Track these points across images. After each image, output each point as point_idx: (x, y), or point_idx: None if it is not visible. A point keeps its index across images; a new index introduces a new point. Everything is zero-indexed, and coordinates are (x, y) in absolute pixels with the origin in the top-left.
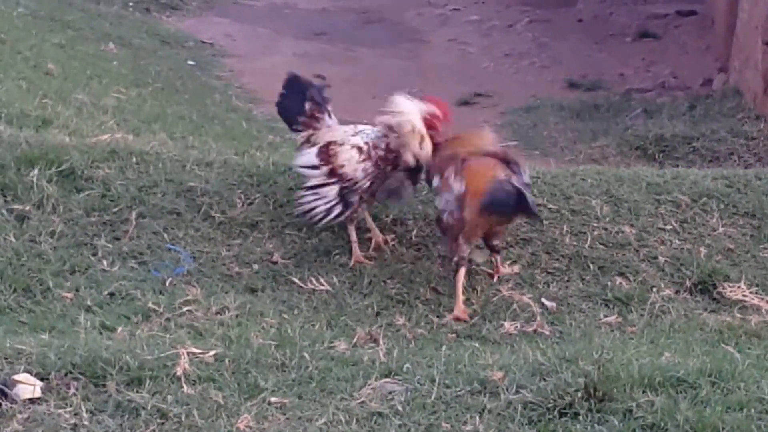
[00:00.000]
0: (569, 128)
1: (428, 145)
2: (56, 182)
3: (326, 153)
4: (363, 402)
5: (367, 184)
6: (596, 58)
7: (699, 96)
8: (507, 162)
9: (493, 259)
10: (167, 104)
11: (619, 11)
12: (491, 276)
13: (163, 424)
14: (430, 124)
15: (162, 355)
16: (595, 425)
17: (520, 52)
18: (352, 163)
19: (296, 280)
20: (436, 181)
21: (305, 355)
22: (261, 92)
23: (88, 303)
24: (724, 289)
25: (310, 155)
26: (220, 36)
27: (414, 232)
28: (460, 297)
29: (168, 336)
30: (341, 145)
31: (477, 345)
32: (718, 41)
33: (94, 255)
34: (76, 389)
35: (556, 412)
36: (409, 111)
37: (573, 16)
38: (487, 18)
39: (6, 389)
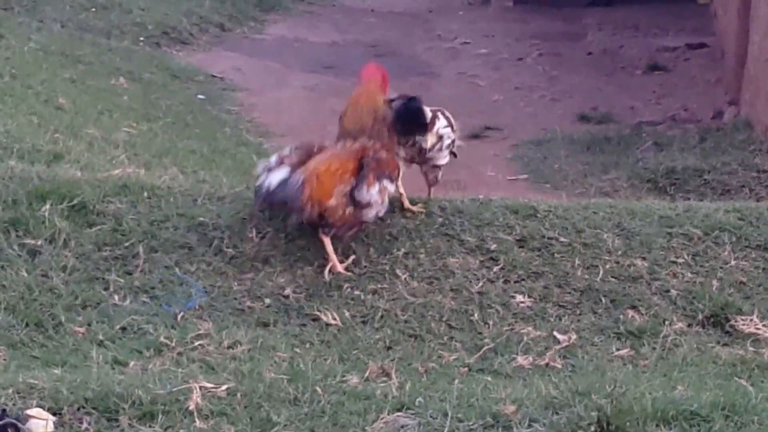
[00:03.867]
0: (580, 161)
1: None
2: (68, 217)
3: None
4: None
5: None
6: (606, 91)
7: (710, 129)
8: None
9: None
10: (178, 138)
11: (628, 44)
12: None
13: None
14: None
15: (174, 389)
16: None
17: (530, 85)
18: None
19: (308, 315)
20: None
21: (317, 389)
22: (271, 126)
23: (100, 337)
24: (736, 322)
25: None
26: (230, 70)
27: (426, 266)
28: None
29: (180, 370)
30: None
31: (489, 379)
32: (728, 74)
33: (105, 289)
34: (89, 424)
35: None
36: None
37: (583, 49)
38: (497, 51)
39: (19, 424)
